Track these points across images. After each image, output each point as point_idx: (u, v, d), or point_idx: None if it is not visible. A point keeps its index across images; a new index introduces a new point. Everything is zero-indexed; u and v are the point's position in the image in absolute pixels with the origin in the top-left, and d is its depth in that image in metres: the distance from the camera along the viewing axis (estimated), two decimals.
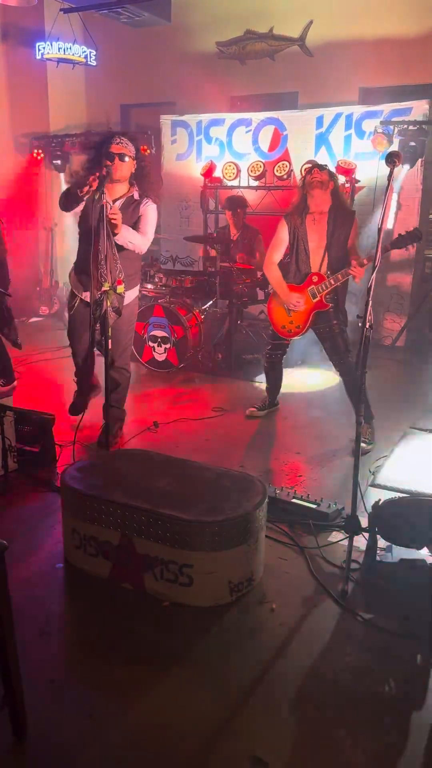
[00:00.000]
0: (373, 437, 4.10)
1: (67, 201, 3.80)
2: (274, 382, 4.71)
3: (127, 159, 3.78)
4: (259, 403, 4.75)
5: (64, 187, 8.13)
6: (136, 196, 3.92)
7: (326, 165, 4.15)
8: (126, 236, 3.76)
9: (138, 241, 3.86)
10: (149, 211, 3.94)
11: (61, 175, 8.06)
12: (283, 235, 4.20)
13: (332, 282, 4.02)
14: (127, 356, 4.25)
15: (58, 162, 8.03)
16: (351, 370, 4.05)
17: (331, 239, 4.07)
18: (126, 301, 3.89)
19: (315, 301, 4.08)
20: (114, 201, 3.85)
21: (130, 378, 4.30)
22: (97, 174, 3.53)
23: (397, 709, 2.11)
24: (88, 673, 2.26)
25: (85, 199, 3.72)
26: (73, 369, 4.46)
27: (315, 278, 4.09)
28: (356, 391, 3.41)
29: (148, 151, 7.02)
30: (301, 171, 4.19)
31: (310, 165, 4.14)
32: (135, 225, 3.89)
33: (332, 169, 4.31)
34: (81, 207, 3.83)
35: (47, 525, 3.21)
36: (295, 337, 4.35)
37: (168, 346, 5.72)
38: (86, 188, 3.58)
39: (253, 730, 2.01)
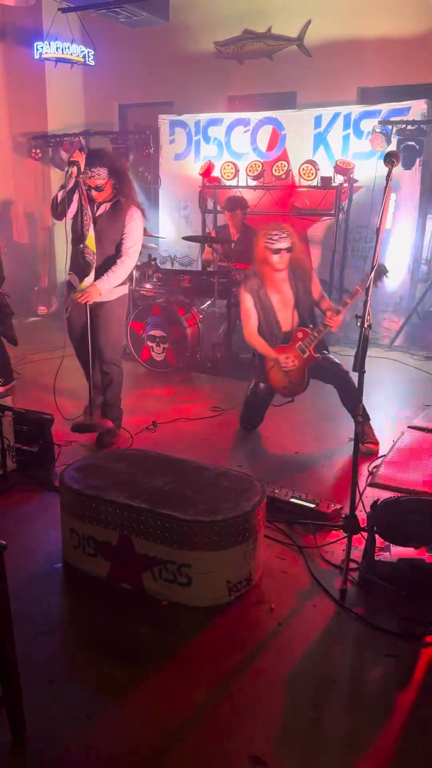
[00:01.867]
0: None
1: (59, 205, 3.92)
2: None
3: (103, 188, 3.98)
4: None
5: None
6: (121, 198, 4.07)
7: (282, 229, 3.98)
8: (108, 286, 4.06)
9: (119, 275, 4.09)
10: (133, 229, 4.09)
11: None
12: (248, 305, 4.19)
13: (316, 335, 4.02)
14: (118, 352, 4.34)
15: (57, 162, 8.02)
16: (347, 379, 4.02)
17: (297, 294, 4.13)
18: (114, 296, 4.16)
19: (305, 356, 4.07)
20: (100, 204, 4.06)
21: (122, 374, 4.36)
22: (73, 161, 3.78)
23: (396, 708, 2.11)
24: (86, 672, 2.27)
25: (71, 190, 3.87)
26: (69, 372, 4.51)
27: (300, 334, 4.08)
28: (352, 397, 3.39)
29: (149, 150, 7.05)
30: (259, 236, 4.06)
31: (272, 232, 3.99)
32: (120, 236, 4.08)
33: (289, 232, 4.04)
34: (73, 208, 3.93)
35: (46, 525, 3.21)
36: (297, 395, 4.27)
37: (166, 345, 5.71)
38: (71, 180, 3.79)
39: (252, 730, 2.01)
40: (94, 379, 4.40)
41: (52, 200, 4.01)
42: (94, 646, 2.40)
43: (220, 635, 2.44)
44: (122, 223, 4.06)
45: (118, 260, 4.09)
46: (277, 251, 3.99)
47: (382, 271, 3.71)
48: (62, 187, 3.87)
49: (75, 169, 3.77)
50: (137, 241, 4.14)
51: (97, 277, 4.01)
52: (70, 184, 3.82)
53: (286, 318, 4.17)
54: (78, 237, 3.92)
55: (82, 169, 3.81)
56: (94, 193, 3.98)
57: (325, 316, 4.05)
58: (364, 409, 4.00)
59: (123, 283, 4.23)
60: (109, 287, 4.08)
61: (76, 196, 3.88)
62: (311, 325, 4.12)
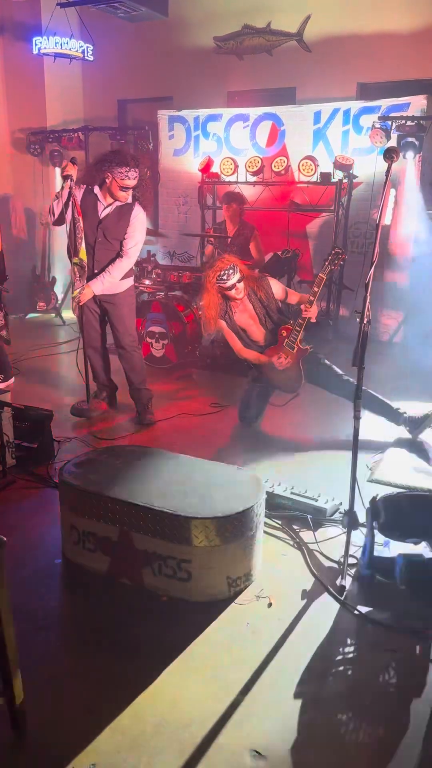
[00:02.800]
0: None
1: (58, 218, 4.13)
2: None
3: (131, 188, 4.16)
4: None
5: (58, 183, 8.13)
6: (129, 199, 4.23)
7: (227, 265, 4.09)
8: (102, 287, 4.23)
9: (115, 275, 4.23)
10: (136, 228, 4.24)
11: (57, 170, 8.02)
12: (226, 327, 4.34)
13: (298, 329, 4.12)
14: (135, 338, 4.56)
15: (55, 157, 8.00)
16: (348, 385, 4.12)
17: (261, 307, 4.26)
18: (121, 289, 4.34)
19: (295, 350, 4.16)
20: (108, 205, 4.21)
21: (142, 359, 4.64)
22: (67, 174, 4.03)
23: (396, 703, 2.12)
24: (86, 667, 2.27)
25: (66, 196, 4.08)
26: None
27: (284, 332, 4.20)
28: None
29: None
30: (212, 274, 4.16)
31: (219, 273, 4.08)
32: (125, 231, 4.23)
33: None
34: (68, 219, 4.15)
35: (45, 521, 3.21)
36: (299, 389, 4.35)
37: (166, 342, 5.71)
38: (65, 192, 4.03)
39: (252, 725, 2.02)
40: (97, 366, 4.66)
41: (48, 209, 4.21)
42: (94, 641, 2.40)
43: (220, 631, 2.45)
44: (127, 221, 4.20)
45: (116, 260, 4.23)
46: (232, 287, 4.11)
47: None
48: (57, 197, 4.08)
49: (69, 182, 3.99)
50: (139, 241, 4.30)
51: (99, 274, 4.23)
52: (64, 197, 4.04)
53: (259, 331, 4.33)
54: (72, 251, 4.12)
55: (74, 180, 4.02)
56: (123, 193, 4.09)
57: (300, 310, 4.14)
58: (373, 396, 4.14)
59: (128, 276, 4.41)
60: (102, 288, 4.24)
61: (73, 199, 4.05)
62: (291, 321, 4.22)
